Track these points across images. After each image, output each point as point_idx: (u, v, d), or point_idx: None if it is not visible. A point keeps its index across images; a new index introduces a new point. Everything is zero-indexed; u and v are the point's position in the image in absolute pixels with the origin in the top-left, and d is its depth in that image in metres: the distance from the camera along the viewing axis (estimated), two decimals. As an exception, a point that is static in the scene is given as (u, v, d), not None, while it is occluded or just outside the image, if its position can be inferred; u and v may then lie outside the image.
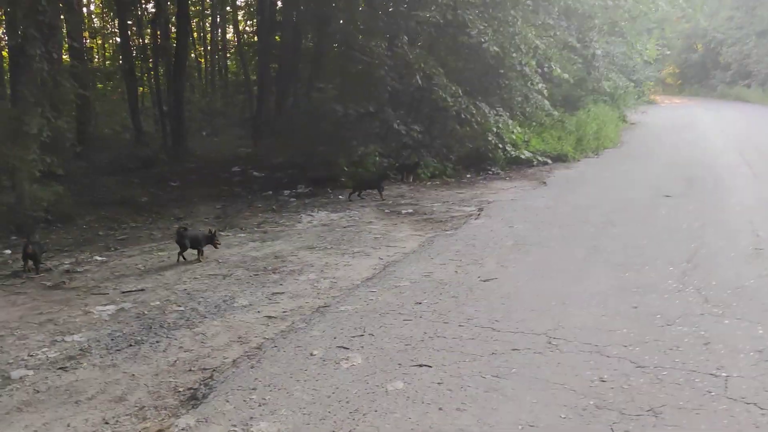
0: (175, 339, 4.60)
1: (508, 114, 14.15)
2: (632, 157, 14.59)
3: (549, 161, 13.45)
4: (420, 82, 11.98)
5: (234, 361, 4.18)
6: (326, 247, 7.24)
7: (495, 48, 11.03)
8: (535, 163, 13.22)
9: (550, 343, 4.22)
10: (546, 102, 15.54)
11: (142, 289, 5.85)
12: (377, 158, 11.44)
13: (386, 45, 12.15)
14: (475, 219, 8.51)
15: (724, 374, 3.66)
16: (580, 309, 4.86)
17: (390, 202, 9.97)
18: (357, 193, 10.29)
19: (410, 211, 9.34)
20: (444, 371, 3.85)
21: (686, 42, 48.50)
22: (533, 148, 13.84)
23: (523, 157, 13.07)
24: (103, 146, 16.30)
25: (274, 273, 6.25)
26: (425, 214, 9.12)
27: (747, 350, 3.99)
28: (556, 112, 16.32)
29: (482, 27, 10.82)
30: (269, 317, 4.99)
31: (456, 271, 6.04)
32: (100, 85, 24.20)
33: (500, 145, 12.85)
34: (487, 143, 12.82)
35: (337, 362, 4.05)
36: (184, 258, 6.75)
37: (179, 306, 5.34)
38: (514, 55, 12.23)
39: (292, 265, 6.50)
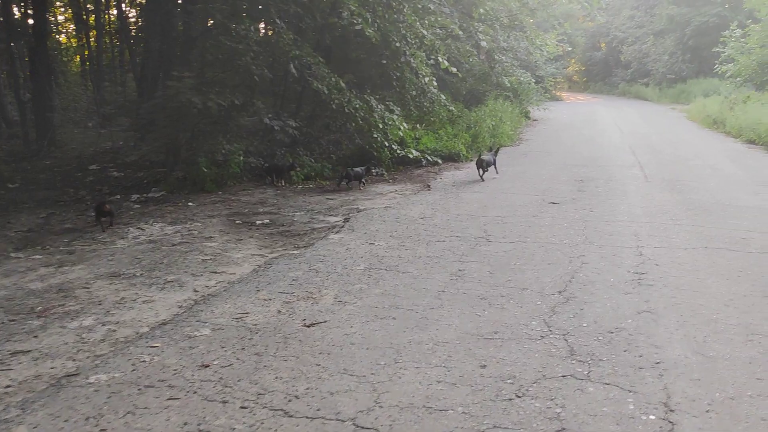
0: None
1: (399, 109, 13.09)
2: (528, 156, 13.88)
3: (440, 161, 12.47)
4: (294, 71, 10.61)
5: None
6: (135, 275, 5.78)
7: (370, 31, 9.79)
8: (424, 163, 12.20)
9: (353, 437, 3.04)
10: (442, 96, 14.61)
11: None
12: (241, 158, 9.99)
13: (254, 28, 10.68)
14: (336, 233, 7.28)
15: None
16: (415, 372, 3.71)
17: (246, 210, 8.58)
18: (345, 181, 10.12)
19: (266, 221, 8.00)
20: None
21: (591, 40, 49.67)
22: (424, 146, 12.82)
23: (411, 156, 12.00)
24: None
25: (40, 317, 4.75)
26: (282, 225, 7.82)
27: (610, 441, 2.96)
28: (453, 108, 15.44)
29: (354, 8, 9.56)
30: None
31: (280, 311, 4.77)
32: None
33: (386, 144, 11.70)
34: (372, 141, 11.64)
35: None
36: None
37: None
38: (398, 44, 11.09)
39: (74, 304, 5.02)
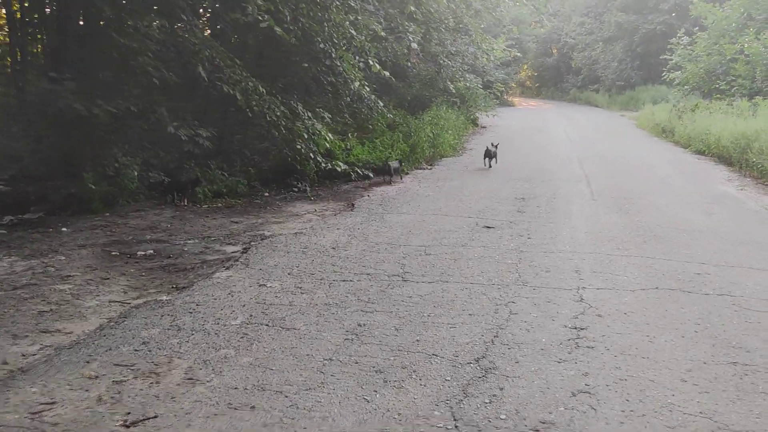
0: None
1: (330, 117, 11.94)
2: (469, 168, 12.90)
3: (371, 174, 11.35)
4: (203, 74, 9.32)
5: None
6: (-65, 337, 4.44)
7: (278, 29, 8.56)
8: (353, 177, 11.05)
9: None
10: (380, 102, 13.52)
11: None
12: (135, 173, 8.62)
13: (158, 24, 9.34)
14: (225, 269, 6.05)
15: None
16: None
17: (130, 237, 7.26)
18: (388, 177, 11.05)
19: (150, 251, 6.71)
20: None
21: (542, 46, 49.61)
22: (355, 158, 11.68)
23: (339, 169, 10.84)
24: None
25: None
26: (168, 257, 6.54)
27: None
28: (391, 114, 14.39)
29: (261, 2, 8.33)
30: None
31: (101, 399, 3.53)
32: None
33: (311, 155, 10.52)
34: (296, 153, 10.45)
35: None
36: None
37: None
38: (322, 46, 9.92)
39: None
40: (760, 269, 6.04)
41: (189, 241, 7.08)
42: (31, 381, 3.76)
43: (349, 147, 11.98)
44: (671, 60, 25.48)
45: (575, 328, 4.49)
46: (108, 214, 8.23)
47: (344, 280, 5.62)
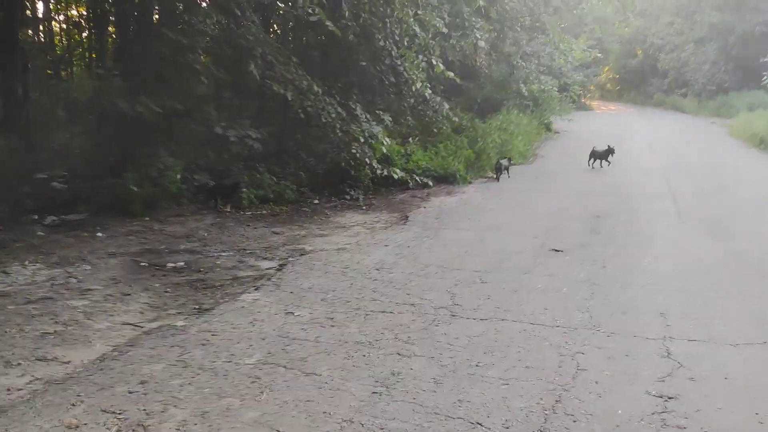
0: None
1: (391, 120, 11.25)
2: (539, 178, 11.88)
3: (430, 183, 10.56)
4: (255, 73, 8.83)
5: None
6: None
7: (329, 24, 7.89)
8: (411, 185, 10.30)
9: None
10: (445, 105, 12.73)
11: None
12: (178, 176, 8.21)
13: (211, 21, 8.94)
14: (254, 290, 5.45)
15: None
16: None
17: (164, 246, 6.80)
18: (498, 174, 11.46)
19: (181, 264, 6.22)
20: None
21: (626, 47, 47.04)
22: (414, 164, 10.92)
23: (395, 176, 10.11)
24: None
25: None
26: (199, 271, 6.03)
27: None
28: (457, 118, 13.54)
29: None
30: None
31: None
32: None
33: (367, 161, 9.86)
34: (351, 157, 9.82)
35: None
36: None
37: None
38: (382, 43, 9.23)
39: None
40: None
41: (224, 253, 6.54)
42: (4, 426, 3.23)
43: (408, 152, 11.23)
44: (772, 63, 23.24)
45: (661, 397, 3.57)
46: (147, 218, 7.85)
47: (383, 312, 4.89)
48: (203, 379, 3.77)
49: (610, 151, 12.79)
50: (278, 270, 6.02)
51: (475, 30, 10.50)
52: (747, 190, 10.87)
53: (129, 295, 5.34)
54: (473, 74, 19.22)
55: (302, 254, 6.54)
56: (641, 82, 47.52)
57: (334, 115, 9.56)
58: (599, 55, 27.29)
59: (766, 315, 4.91)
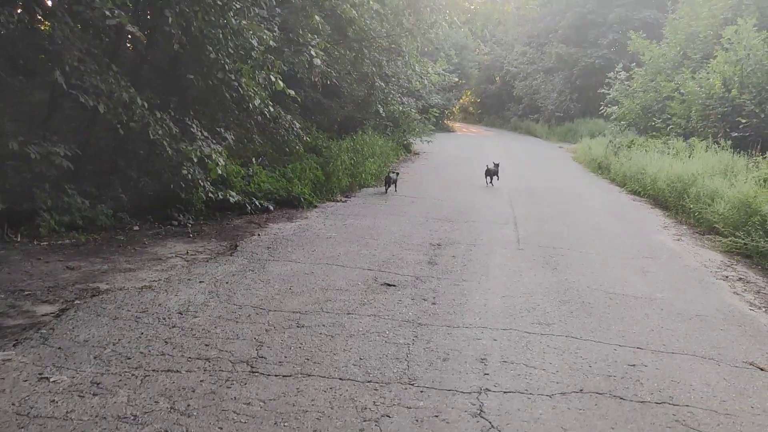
0: None
1: (232, 138, 10.40)
2: (388, 202, 11.58)
3: (271, 207, 9.85)
4: (61, 81, 7.63)
5: None
6: None
7: (131, 27, 6.96)
8: (249, 209, 9.53)
9: None
10: (296, 123, 12.09)
11: None
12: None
13: (18, 18, 7.62)
14: (13, 346, 4.42)
15: None
16: None
17: None
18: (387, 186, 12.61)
19: (-70, 312, 5.00)
20: None
21: (485, 73, 49.48)
22: (256, 187, 10.16)
23: (231, 200, 9.29)
24: None
25: None
26: (-49, 321, 4.85)
27: None
28: (308, 138, 12.98)
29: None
30: None
31: None
32: None
33: (200, 182, 8.95)
34: (181, 178, 8.86)
35: None
36: None
37: None
38: (214, 56, 8.42)
39: None
40: (704, 358, 4.90)
41: (-6, 296, 5.39)
42: None
43: (251, 173, 10.45)
44: (609, 94, 25.21)
45: (463, 472, 3.13)
46: None
47: (168, 371, 4.10)
48: None
49: (497, 167, 14.49)
50: (56, 317, 5.01)
51: (310, 47, 9.99)
52: (583, 215, 11.29)
53: None
54: (335, 93, 18.84)
55: (94, 295, 5.55)
56: (500, 106, 50.23)
57: (161, 132, 8.57)
58: (456, 79, 28.16)
59: (585, 357, 4.74)
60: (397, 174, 13.06)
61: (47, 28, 7.96)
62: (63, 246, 7.14)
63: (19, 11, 7.19)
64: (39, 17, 7.91)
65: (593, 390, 4.17)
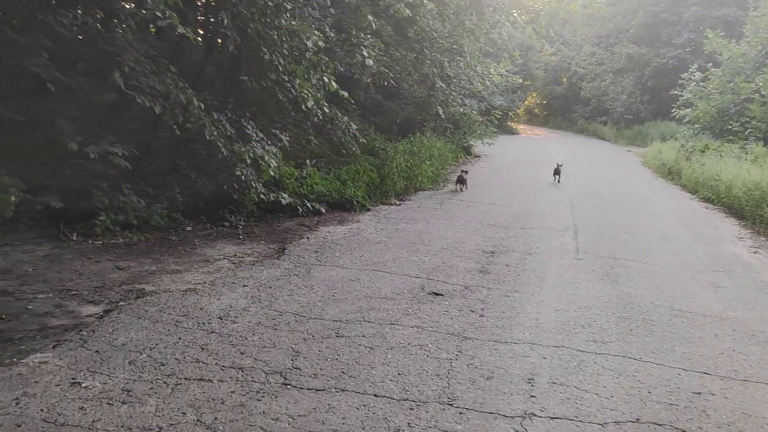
0: None
1: (287, 140, 10.40)
2: (443, 206, 11.29)
3: (323, 210, 9.77)
4: (120, 81, 7.79)
5: None
6: None
7: (182, 29, 6.95)
8: (300, 211, 9.46)
9: None
10: (352, 125, 12.02)
11: None
12: (13, 198, 7.05)
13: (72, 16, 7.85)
14: (52, 347, 4.45)
15: None
16: None
17: (-28, 284, 5.68)
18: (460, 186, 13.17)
19: (-16, 309, 5.13)
20: None
21: (552, 74, 48.21)
22: (309, 189, 10.10)
23: (283, 202, 9.25)
24: None
25: None
26: (1, 319, 4.95)
27: None
28: (364, 139, 12.87)
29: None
30: None
31: None
32: None
33: (253, 185, 8.97)
34: (234, 179, 8.89)
35: None
36: None
37: None
38: (268, 57, 8.40)
39: None
40: (783, 388, 4.39)
41: (41, 295, 5.48)
42: None
43: (304, 175, 10.41)
44: (682, 96, 23.97)
45: None
46: (-34, 248, 6.66)
47: (200, 379, 4.01)
48: None
49: (560, 167, 15.16)
50: (99, 318, 5.04)
51: (362, 47, 9.82)
52: (649, 223, 10.66)
53: None
54: (395, 94, 18.70)
55: (138, 297, 5.57)
56: (566, 108, 48.81)
57: (216, 133, 8.63)
58: (520, 80, 27.47)
59: (644, 381, 4.34)
60: (466, 173, 13.43)
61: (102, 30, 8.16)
62: (116, 245, 7.26)
63: (80, 12, 7.36)
64: (99, 17, 8.11)
65: (652, 420, 3.79)
